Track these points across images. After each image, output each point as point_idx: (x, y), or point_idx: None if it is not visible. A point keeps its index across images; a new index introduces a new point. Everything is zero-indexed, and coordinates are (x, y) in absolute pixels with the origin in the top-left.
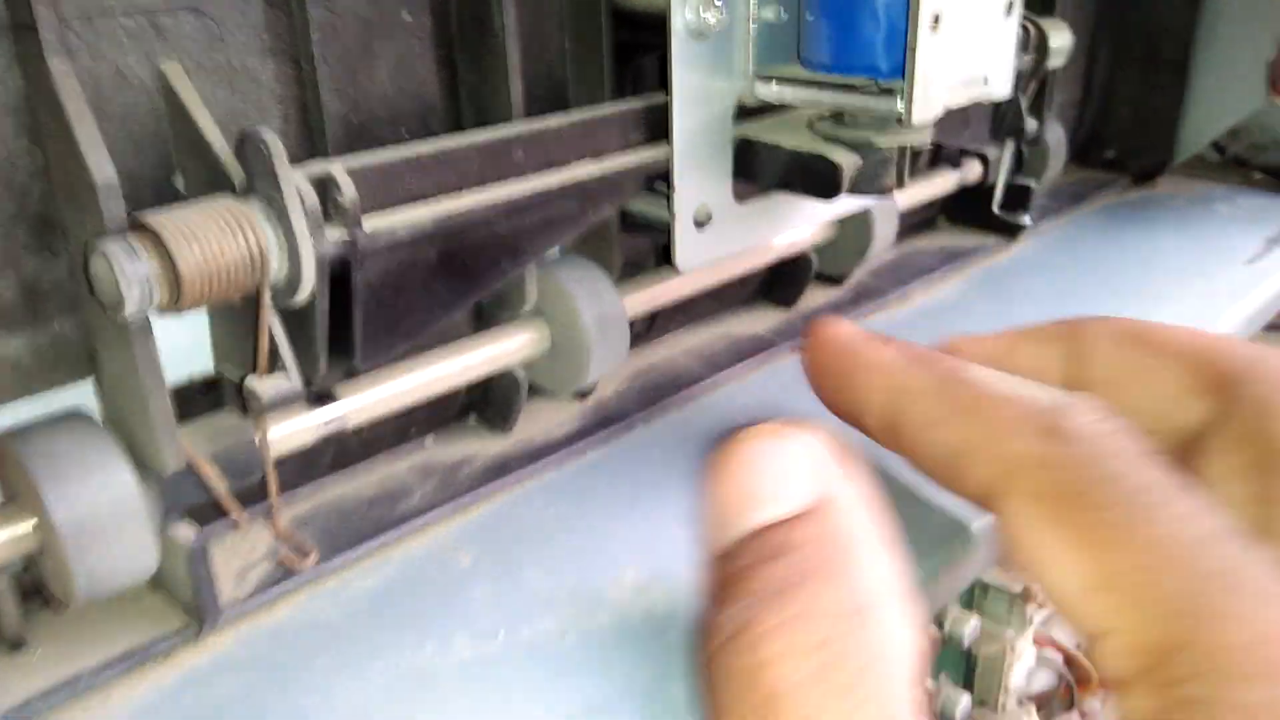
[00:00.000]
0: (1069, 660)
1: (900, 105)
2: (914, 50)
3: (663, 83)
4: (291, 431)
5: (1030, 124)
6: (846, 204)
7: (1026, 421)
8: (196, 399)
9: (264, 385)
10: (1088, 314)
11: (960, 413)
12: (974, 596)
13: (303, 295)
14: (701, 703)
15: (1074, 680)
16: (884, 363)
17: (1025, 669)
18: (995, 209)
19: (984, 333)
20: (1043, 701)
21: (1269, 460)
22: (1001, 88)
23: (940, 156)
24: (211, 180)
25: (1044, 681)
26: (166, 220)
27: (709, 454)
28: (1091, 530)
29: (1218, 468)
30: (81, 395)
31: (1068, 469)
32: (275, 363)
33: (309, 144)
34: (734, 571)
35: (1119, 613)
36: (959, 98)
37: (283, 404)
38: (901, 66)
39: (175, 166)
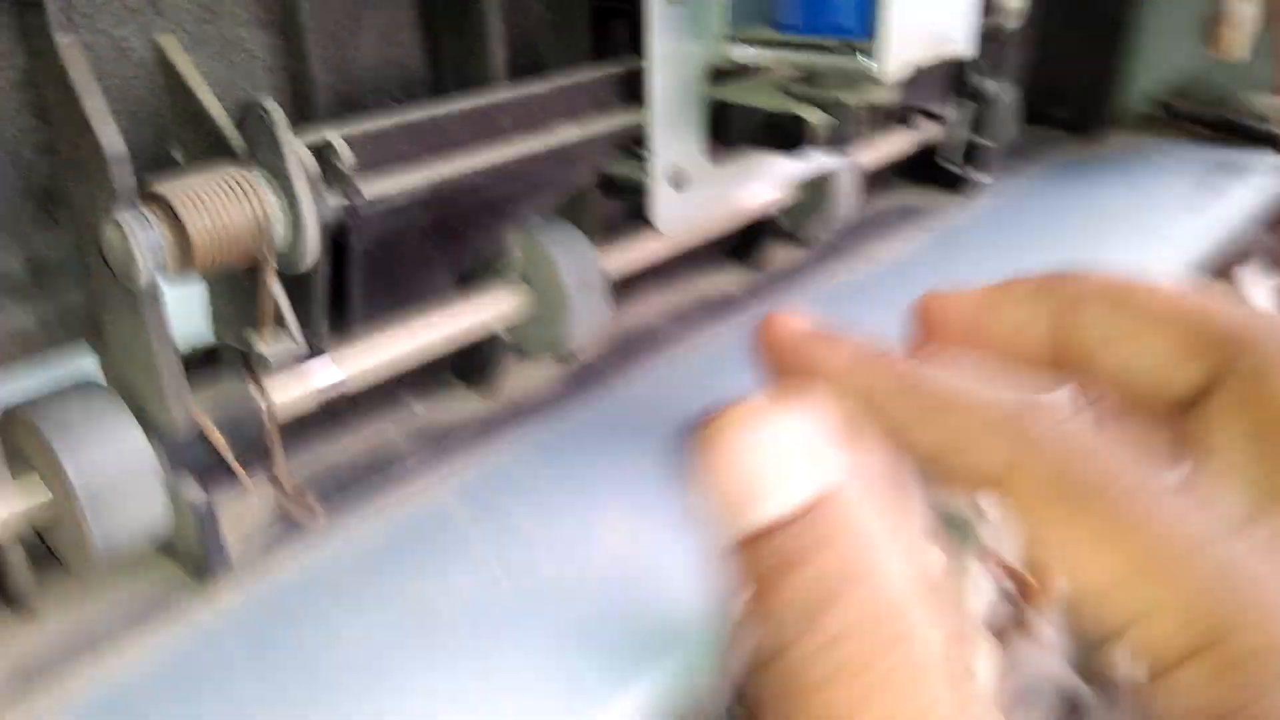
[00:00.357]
0: (1013, 576)
1: (869, 63)
2: (882, 9)
3: (637, 47)
4: (292, 396)
5: (987, 83)
6: (816, 162)
7: (1003, 421)
8: (194, 369)
9: (270, 348)
10: (1069, 267)
11: (933, 413)
12: None
13: (304, 260)
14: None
15: (1020, 595)
16: (839, 368)
17: (974, 589)
18: (953, 167)
19: (960, 290)
20: (993, 621)
21: (1270, 424)
22: (964, 46)
23: (900, 117)
24: (211, 150)
25: (991, 601)
26: (176, 188)
27: (694, 435)
28: (1108, 524)
29: (1219, 434)
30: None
31: (1067, 465)
32: (277, 327)
33: (298, 113)
34: (757, 577)
35: (1158, 595)
36: (925, 56)
37: (288, 366)
38: (869, 26)
39: (171, 138)
